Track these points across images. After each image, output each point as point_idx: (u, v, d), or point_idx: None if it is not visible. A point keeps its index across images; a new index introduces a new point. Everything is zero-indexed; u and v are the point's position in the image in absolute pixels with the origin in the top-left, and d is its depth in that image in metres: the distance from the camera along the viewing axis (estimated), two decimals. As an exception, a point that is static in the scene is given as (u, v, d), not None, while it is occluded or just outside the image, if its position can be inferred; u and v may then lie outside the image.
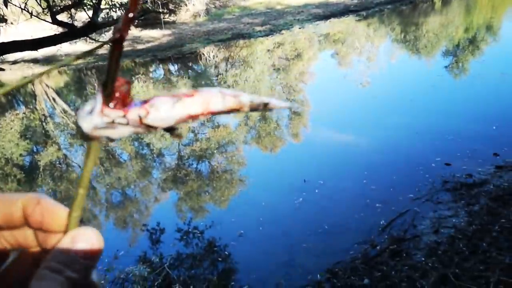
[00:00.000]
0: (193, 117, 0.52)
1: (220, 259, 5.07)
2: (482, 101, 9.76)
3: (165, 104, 0.50)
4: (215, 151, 9.25)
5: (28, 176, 8.99)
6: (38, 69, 19.09)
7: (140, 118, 0.49)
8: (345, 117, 10.16)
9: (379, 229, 5.16)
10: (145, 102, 0.50)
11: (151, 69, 18.38)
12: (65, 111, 13.63)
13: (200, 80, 15.92)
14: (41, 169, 9.15)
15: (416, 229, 5.06)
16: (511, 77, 11.35)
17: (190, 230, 5.91)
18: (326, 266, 4.60)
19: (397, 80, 13.38)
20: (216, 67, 17.36)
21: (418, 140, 7.76)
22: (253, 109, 0.55)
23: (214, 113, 0.52)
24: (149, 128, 0.50)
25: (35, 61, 20.09)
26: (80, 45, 21.67)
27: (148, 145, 10.20)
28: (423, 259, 4.47)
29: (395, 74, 14.26)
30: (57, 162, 9.61)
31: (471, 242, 4.56)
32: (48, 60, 20.20)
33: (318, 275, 4.48)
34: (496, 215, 4.93)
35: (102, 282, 3.99)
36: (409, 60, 15.96)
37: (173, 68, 18.45)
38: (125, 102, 0.49)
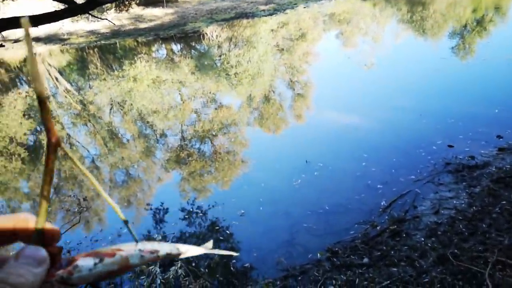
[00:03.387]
0: (113, 274, 0.57)
1: (222, 238, 5.15)
2: (486, 84, 9.67)
3: (87, 264, 0.54)
4: (218, 132, 9.27)
5: (32, 155, 9.05)
6: (40, 47, 18.98)
7: (64, 280, 0.53)
8: (347, 98, 10.10)
9: (379, 209, 5.20)
10: (69, 262, 0.54)
11: (153, 49, 18.23)
12: (68, 90, 13.62)
13: (203, 60, 15.80)
14: (44, 148, 9.22)
15: (416, 210, 5.09)
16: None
17: (193, 209, 5.98)
18: (327, 245, 4.66)
19: (401, 61, 13.22)
20: (219, 47, 17.20)
21: (421, 122, 7.73)
22: (172, 257, 0.64)
23: (132, 267, 0.59)
24: (72, 286, 0.55)
25: (37, 39, 19.95)
26: (83, 24, 21.49)
27: (151, 126, 10.22)
28: (422, 239, 4.52)
29: (400, 56, 14.08)
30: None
31: (471, 223, 4.59)
32: (50, 39, 20.06)
33: (318, 254, 4.55)
34: (497, 197, 4.95)
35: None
36: (414, 42, 15.73)
37: (175, 47, 18.29)
38: (54, 261, 0.54)
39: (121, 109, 11.42)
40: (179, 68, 14.71)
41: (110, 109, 11.45)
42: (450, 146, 6.45)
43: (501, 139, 6.43)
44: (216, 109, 11.02)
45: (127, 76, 13.94)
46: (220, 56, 16.01)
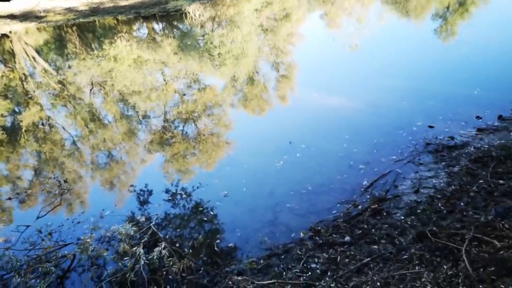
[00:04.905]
0: None
1: (205, 218, 5.16)
2: (466, 65, 9.79)
3: None
4: (201, 114, 9.18)
5: (11, 136, 8.82)
6: (16, 25, 18.29)
7: None
8: (330, 80, 10.08)
9: (361, 189, 5.28)
10: None
11: (134, 28, 17.78)
12: (46, 70, 13.23)
13: (186, 40, 15.51)
14: (23, 129, 8.99)
15: (397, 189, 5.20)
16: (494, 42, 11.34)
17: (176, 191, 5.96)
18: (309, 225, 4.73)
19: (384, 43, 13.22)
20: (202, 26, 16.89)
21: (402, 103, 7.81)
22: None
23: None
24: None
25: (12, 17, 19.21)
26: (60, 1, 20.74)
27: (133, 107, 10.05)
28: (402, 217, 4.62)
29: (383, 37, 14.08)
30: (40, 123, 9.44)
31: (449, 202, 4.71)
32: (26, 16, 19.34)
33: (301, 233, 4.61)
34: (475, 176, 5.08)
35: (88, 240, 4.05)
36: (397, 23, 15.75)
37: (157, 26, 17.88)
38: None
39: (102, 90, 11.17)
40: (161, 48, 14.42)
41: (91, 90, 11.19)
42: (430, 126, 6.56)
43: (480, 120, 6.56)
44: (199, 90, 10.89)
45: (107, 55, 13.60)
46: (203, 36, 15.75)
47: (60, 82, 11.90)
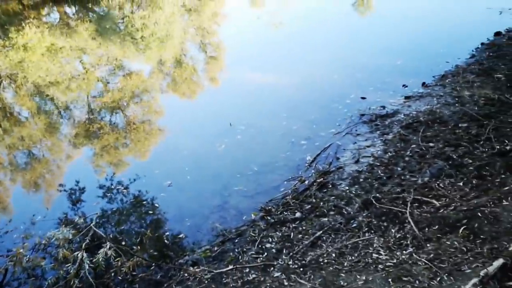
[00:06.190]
0: None
1: (150, 211, 4.89)
2: (387, 37, 10.32)
3: None
4: (129, 101, 8.65)
5: None
6: None
7: None
8: (260, 59, 10.04)
9: (305, 164, 5.35)
10: None
11: (43, 12, 16.16)
12: None
13: (104, 23, 14.44)
14: None
15: (339, 161, 5.34)
16: (411, 13, 12.08)
17: (113, 186, 5.56)
18: (259, 205, 4.69)
19: (308, 19, 13.47)
20: (120, 8, 15.84)
21: (333, 78, 8.03)
22: None
23: None
24: None
25: None
26: None
27: (52, 99, 9.17)
28: (347, 188, 4.76)
29: (306, 13, 14.34)
30: None
31: (388, 168, 4.94)
32: None
33: (252, 215, 4.56)
34: (407, 141, 5.38)
35: (21, 250, 3.61)
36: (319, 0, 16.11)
37: (70, 10, 16.42)
38: None
39: (13, 83, 10.04)
40: (77, 34, 13.29)
41: (0, 84, 10.01)
42: (362, 98, 6.82)
43: (406, 88, 6.95)
44: (124, 76, 10.25)
45: (15, 45, 12.21)
46: (122, 18, 14.80)
47: (-40, 77, 10.47)
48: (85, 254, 3.68)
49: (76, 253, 3.71)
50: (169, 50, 12.07)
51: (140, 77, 10.18)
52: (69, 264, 3.65)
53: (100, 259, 3.66)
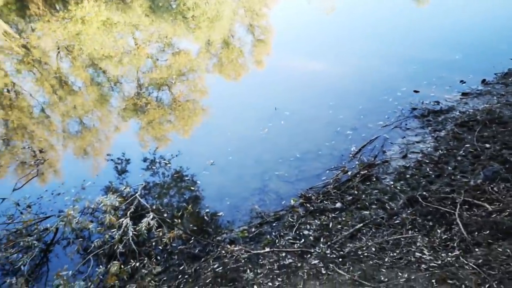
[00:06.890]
0: None
1: (192, 188, 4.99)
2: (448, 30, 9.76)
3: None
4: (176, 79, 8.79)
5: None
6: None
7: None
8: (310, 44, 9.83)
9: (350, 155, 5.22)
10: None
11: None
12: (7, 33, 12.25)
13: (157, 1, 14.70)
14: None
15: (385, 154, 5.17)
16: (474, 4, 11.37)
17: (157, 160, 5.72)
18: (299, 192, 4.64)
19: (362, 6, 13.02)
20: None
21: (385, 68, 7.72)
22: None
23: None
24: None
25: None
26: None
27: (104, 72, 9.50)
28: (392, 183, 4.60)
29: (360, 0, 13.87)
30: (5, 90, 8.78)
31: (437, 166, 4.72)
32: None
33: (292, 201, 4.53)
34: (461, 140, 5.10)
35: (71, 212, 3.80)
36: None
37: (126, -14, 16.83)
38: None
39: (70, 55, 10.48)
40: (132, 10, 13.63)
41: (57, 54, 10.48)
42: (415, 91, 6.52)
43: (464, 84, 6.57)
44: (173, 54, 10.41)
45: (73, 17, 12.72)
46: (176, -3, 14.98)
47: (23, 46, 11.06)
48: (129, 222, 3.83)
49: (121, 220, 3.87)
50: (218, 30, 12.10)
51: (188, 56, 10.30)
52: (114, 230, 3.81)
53: (143, 228, 3.79)
